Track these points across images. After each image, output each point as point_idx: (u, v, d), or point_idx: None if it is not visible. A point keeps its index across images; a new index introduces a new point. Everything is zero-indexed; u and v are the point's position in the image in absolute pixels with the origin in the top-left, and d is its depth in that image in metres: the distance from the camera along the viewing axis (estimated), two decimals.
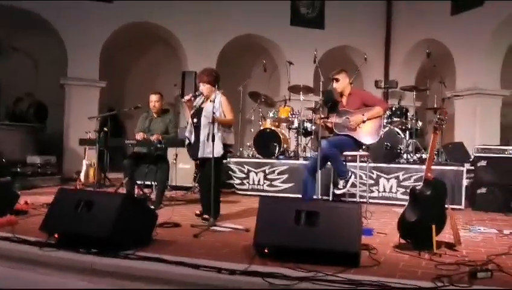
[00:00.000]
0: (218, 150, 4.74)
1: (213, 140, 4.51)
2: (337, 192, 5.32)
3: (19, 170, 7.88)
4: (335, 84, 5.38)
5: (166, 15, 10.10)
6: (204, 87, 4.95)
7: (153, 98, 6.00)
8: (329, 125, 5.32)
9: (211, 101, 4.83)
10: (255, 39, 11.12)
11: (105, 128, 6.54)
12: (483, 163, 6.34)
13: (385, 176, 6.72)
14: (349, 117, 5.25)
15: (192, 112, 5.00)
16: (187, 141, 5.09)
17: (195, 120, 4.95)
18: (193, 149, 5.00)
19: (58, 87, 9.84)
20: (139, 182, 6.37)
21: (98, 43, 9.78)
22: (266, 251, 3.26)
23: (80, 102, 9.56)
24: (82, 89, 9.72)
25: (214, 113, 4.60)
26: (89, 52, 9.71)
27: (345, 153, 5.34)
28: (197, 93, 5.03)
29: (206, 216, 4.85)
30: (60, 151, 9.52)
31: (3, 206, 4.58)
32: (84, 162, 7.92)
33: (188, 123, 5.12)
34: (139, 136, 5.79)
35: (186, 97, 5.02)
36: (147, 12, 9.94)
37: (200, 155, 4.87)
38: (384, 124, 6.94)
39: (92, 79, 9.79)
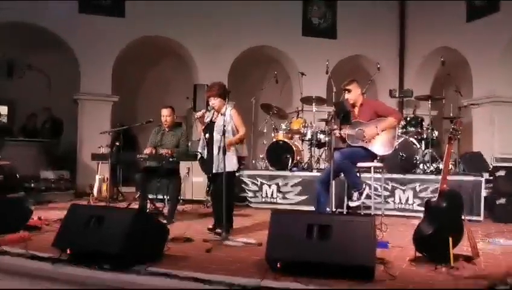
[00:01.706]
0: (234, 163, 4.81)
1: (224, 153, 4.48)
2: (352, 204, 5.24)
3: (32, 185, 7.92)
4: (347, 95, 5.32)
5: (177, 28, 10.15)
6: (215, 101, 4.92)
7: (164, 112, 6.01)
8: (343, 136, 5.26)
9: (221, 114, 4.82)
10: (266, 50, 11.11)
11: (118, 143, 6.55)
12: (502, 173, 6.19)
13: (401, 187, 6.60)
14: (362, 128, 5.17)
15: (203, 126, 4.98)
16: (199, 156, 5.07)
17: (207, 135, 4.93)
18: (206, 164, 4.98)
19: (72, 102, 9.96)
20: (151, 196, 6.35)
21: (110, 58, 9.87)
22: (278, 265, 3.19)
23: (93, 117, 9.63)
24: (95, 104, 9.81)
25: (224, 126, 4.58)
26: (101, 67, 9.80)
27: (359, 164, 5.27)
28: (209, 108, 5.00)
29: (218, 230, 4.80)
30: (74, 165, 9.57)
31: (16, 222, 4.60)
32: (97, 177, 7.95)
33: (200, 138, 5.10)
34: (148, 150, 5.80)
35: (199, 113, 4.98)
36: (158, 26, 10.00)
37: (214, 170, 4.84)
38: (399, 134, 6.84)
39: (104, 94, 9.86)
